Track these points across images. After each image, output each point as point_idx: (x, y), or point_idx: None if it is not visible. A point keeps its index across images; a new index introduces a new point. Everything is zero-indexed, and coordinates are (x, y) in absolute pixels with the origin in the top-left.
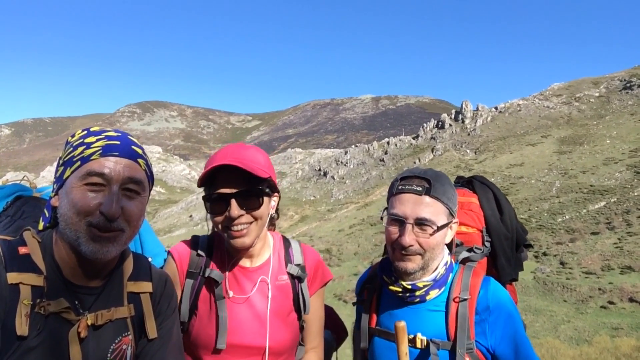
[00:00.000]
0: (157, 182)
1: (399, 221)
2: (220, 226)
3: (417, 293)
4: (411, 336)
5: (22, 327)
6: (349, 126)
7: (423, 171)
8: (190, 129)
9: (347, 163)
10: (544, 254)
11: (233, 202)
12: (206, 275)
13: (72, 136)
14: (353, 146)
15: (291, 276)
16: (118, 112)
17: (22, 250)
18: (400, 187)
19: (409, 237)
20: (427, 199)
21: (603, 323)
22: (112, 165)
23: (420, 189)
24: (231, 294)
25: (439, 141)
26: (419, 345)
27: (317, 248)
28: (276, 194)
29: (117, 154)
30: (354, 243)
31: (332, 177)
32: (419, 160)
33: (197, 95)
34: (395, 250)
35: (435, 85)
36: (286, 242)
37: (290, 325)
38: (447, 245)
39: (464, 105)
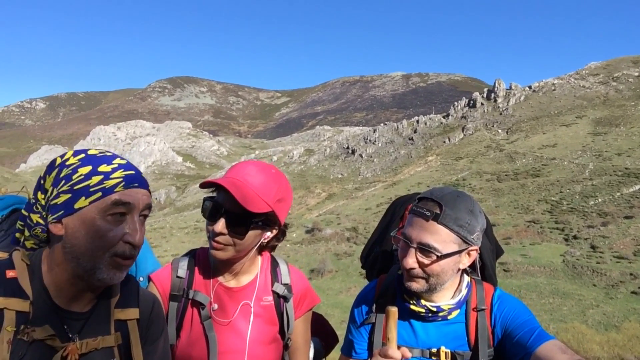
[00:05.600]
0: (186, 158)
1: (406, 242)
2: (207, 232)
3: (441, 314)
4: (435, 350)
5: (2, 354)
6: (378, 104)
7: (441, 194)
8: (220, 105)
9: (375, 141)
10: (575, 237)
11: (222, 219)
12: (190, 297)
13: (62, 157)
14: (382, 124)
15: (276, 295)
16: (149, 87)
17: (10, 273)
18: (414, 208)
19: (411, 260)
20: (434, 225)
21: (633, 309)
22: (136, 195)
23: (429, 214)
24: (215, 306)
25: (470, 120)
26: (443, 358)
27: (344, 226)
28: (275, 228)
29: (137, 185)
30: None
31: (360, 155)
32: (449, 140)
33: (226, 71)
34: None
35: (468, 63)
36: (274, 262)
37: (272, 346)
38: (471, 267)
39: (496, 84)
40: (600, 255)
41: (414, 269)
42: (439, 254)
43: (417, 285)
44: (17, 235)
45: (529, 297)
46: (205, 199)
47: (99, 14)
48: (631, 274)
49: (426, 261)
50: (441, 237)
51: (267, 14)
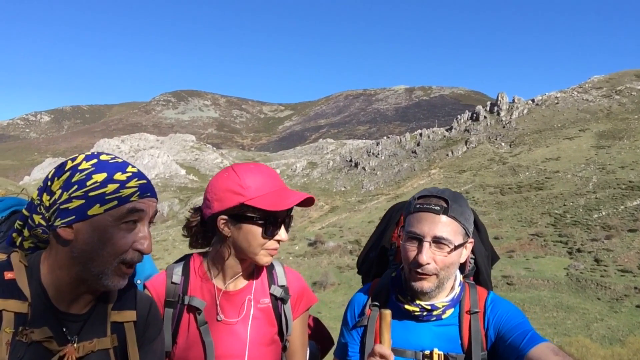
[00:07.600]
0: (190, 170)
1: (417, 239)
2: (257, 247)
3: (435, 313)
4: (428, 352)
5: (1, 355)
6: (381, 117)
7: (441, 191)
8: (224, 118)
9: (378, 154)
10: (578, 250)
11: (282, 227)
12: (185, 302)
13: (74, 160)
14: (385, 137)
15: (274, 297)
16: (153, 101)
17: (8, 275)
18: (418, 206)
19: (426, 255)
20: (444, 218)
21: (638, 323)
22: (149, 204)
23: (438, 208)
24: (221, 318)
25: (473, 133)
26: None
27: (346, 239)
28: None
29: (149, 194)
30: None
31: (363, 168)
32: (452, 153)
33: (230, 84)
34: (411, 270)
35: (471, 77)
36: (269, 264)
37: (271, 348)
38: (460, 264)
39: (499, 97)
40: (605, 268)
41: (429, 264)
42: (453, 245)
43: (429, 284)
44: (14, 235)
45: (532, 311)
46: (266, 222)
47: (105, 27)
48: (636, 288)
49: (440, 255)
50: (452, 229)
51: (271, 28)
